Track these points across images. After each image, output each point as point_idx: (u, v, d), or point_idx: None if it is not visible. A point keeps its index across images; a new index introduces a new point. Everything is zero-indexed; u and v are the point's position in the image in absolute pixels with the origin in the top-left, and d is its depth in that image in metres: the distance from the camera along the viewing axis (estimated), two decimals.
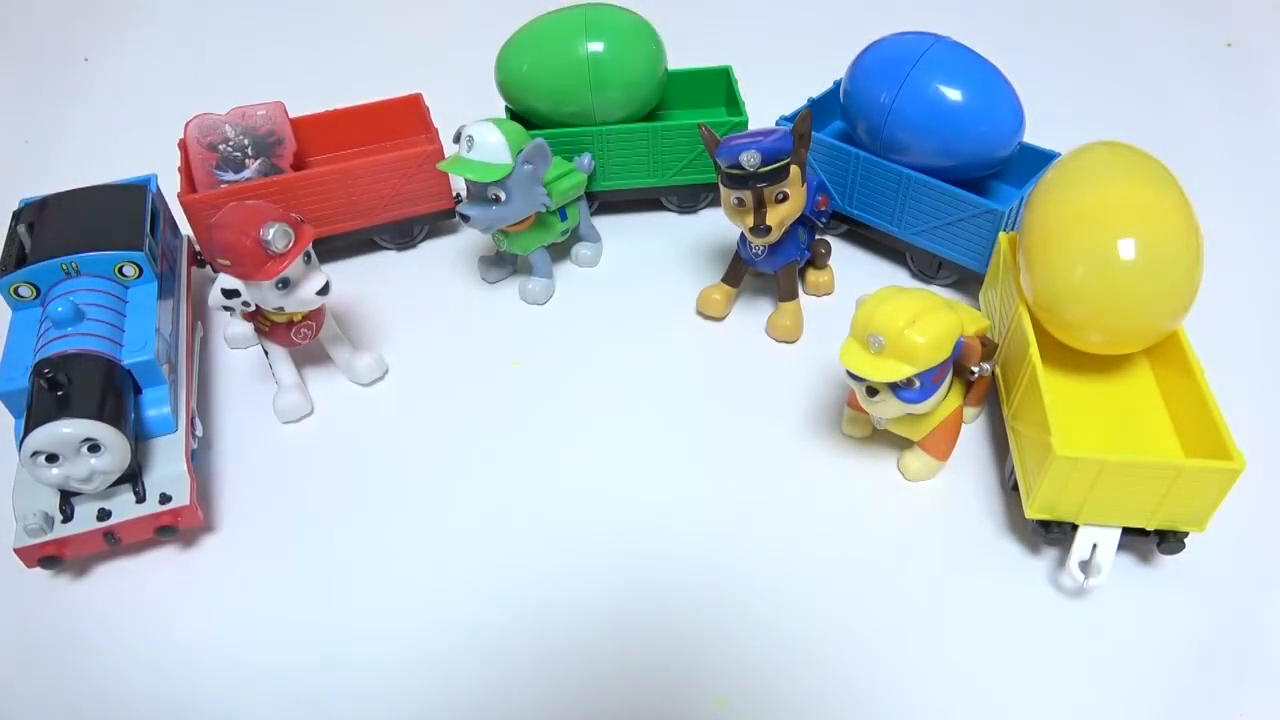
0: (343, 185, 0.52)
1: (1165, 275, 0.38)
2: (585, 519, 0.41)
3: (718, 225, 0.57)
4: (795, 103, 0.56)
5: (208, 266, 0.54)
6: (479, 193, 0.48)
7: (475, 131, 0.47)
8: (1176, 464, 0.35)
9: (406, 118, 0.58)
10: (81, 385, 0.38)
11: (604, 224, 0.58)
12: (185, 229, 0.53)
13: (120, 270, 0.44)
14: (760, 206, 0.44)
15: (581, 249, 0.55)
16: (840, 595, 0.38)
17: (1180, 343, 0.40)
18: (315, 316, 0.45)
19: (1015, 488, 0.40)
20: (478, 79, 0.59)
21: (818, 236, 0.52)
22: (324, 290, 0.43)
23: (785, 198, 0.44)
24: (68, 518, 0.39)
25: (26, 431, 0.37)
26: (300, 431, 0.46)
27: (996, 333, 0.46)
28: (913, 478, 0.43)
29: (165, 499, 0.39)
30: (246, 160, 0.53)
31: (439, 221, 0.57)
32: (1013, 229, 0.48)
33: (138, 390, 0.42)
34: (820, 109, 0.56)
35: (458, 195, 0.56)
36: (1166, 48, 0.75)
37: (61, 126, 0.69)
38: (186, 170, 0.52)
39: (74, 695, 0.36)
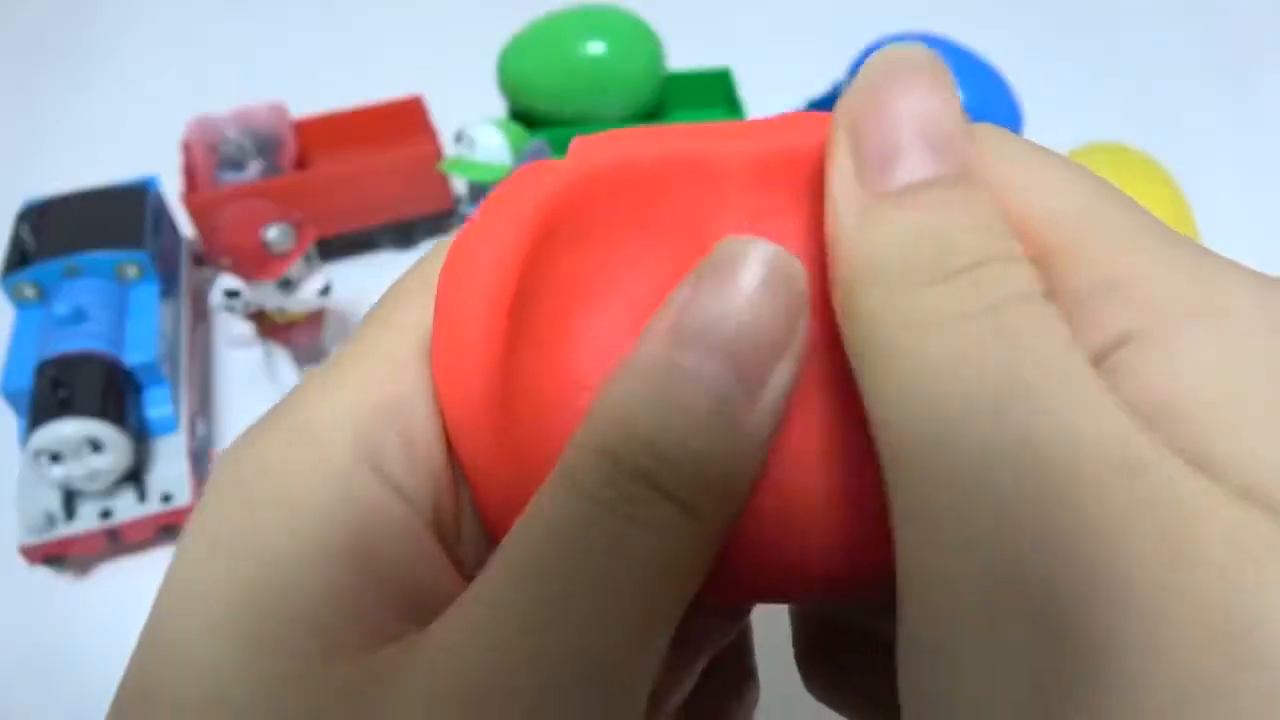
0: (344, 186, 0.52)
1: None
2: None
3: None
4: (795, 103, 0.56)
5: (209, 267, 0.54)
6: (480, 193, 0.49)
7: (476, 132, 0.48)
8: None
9: (407, 119, 0.58)
10: (84, 385, 0.38)
11: None
12: (186, 229, 0.53)
13: (122, 271, 0.44)
14: None
15: None
16: None
17: None
18: (317, 317, 0.45)
19: None
20: (478, 79, 0.59)
21: None
22: (325, 291, 0.43)
23: None
24: (70, 517, 0.39)
25: (29, 431, 0.37)
26: None
27: None
28: None
29: (167, 499, 0.39)
30: (247, 161, 0.53)
31: (439, 222, 0.57)
32: None
33: (139, 390, 0.42)
34: (820, 109, 0.56)
35: (458, 196, 0.57)
36: (1166, 48, 0.75)
37: (62, 128, 0.69)
38: (187, 171, 0.52)
39: (74, 695, 0.37)
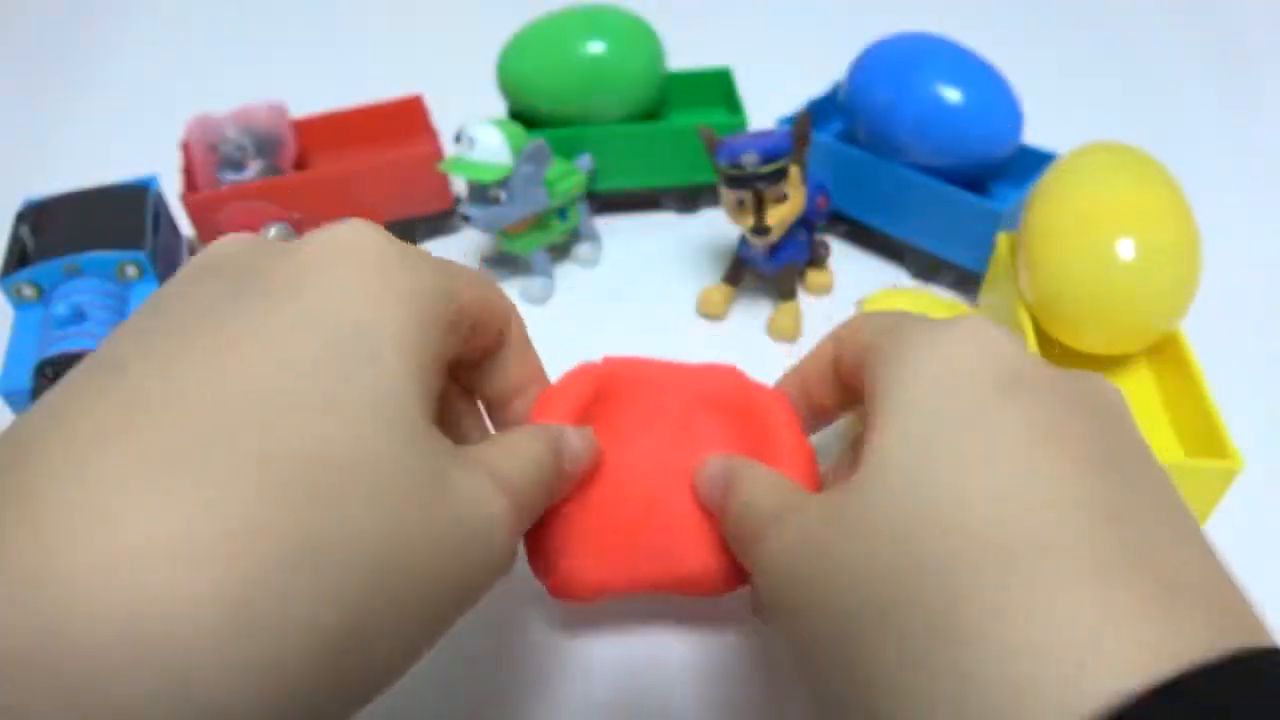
0: (343, 186, 0.52)
1: (1164, 275, 0.38)
2: None
3: (718, 225, 0.57)
4: (795, 103, 0.56)
5: None
6: (480, 193, 0.49)
7: (476, 132, 0.48)
8: (1172, 462, 0.35)
9: (407, 119, 0.58)
10: None
11: (604, 224, 0.58)
12: (186, 230, 0.53)
13: (122, 270, 0.44)
14: (760, 207, 0.44)
15: (582, 249, 0.55)
16: None
17: (1180, 343, 0.40)
18: None
19: None
20: (478, 79, 0.59)
21: (817, 237, 0.52)
22: None
23: (785, 198, 0.44)
24: None
25: None
26: None
27: None
28: None
29: None
30: (247, 161, 0.53)
31: (439, 221, 0.57)
32: (1012, 229, 0.48)
33: None
34: (820, 109, 0.56)
35: (458, 196, 0.57)
36: (1166, 48, 0.75)
37: (63, 128, 0.69)
38: (187, 171, 0.52)
39: None
